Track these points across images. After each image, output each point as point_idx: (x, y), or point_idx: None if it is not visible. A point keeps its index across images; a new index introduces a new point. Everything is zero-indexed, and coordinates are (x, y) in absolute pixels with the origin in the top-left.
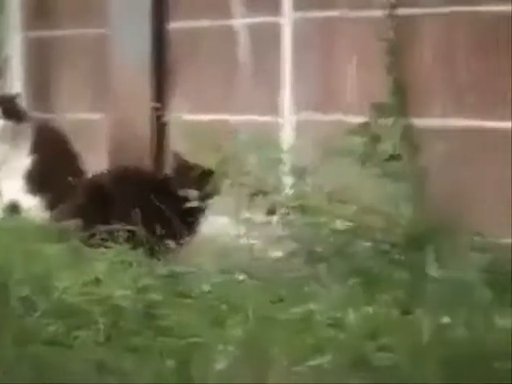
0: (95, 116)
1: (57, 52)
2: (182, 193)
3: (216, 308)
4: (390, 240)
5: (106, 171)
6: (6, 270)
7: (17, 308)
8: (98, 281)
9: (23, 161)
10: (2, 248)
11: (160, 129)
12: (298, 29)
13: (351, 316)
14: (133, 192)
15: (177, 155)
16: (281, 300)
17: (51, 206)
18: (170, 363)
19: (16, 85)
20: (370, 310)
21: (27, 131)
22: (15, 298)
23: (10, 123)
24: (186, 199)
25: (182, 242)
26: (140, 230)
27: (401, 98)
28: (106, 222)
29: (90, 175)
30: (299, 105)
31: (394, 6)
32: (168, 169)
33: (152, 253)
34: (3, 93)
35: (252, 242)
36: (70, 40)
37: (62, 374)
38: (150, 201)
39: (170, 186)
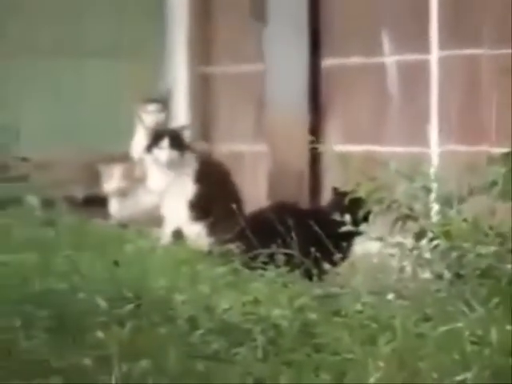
0: (255, 148)
1: (219, 86)
2: (336, 217)
3: (367, 326)
4: None
5: (268, 206)
6: (173, 291)
7: (182, 326)
8: (256, 301)
9: (187, 189)
10: (169, 270)
11: (315, 159)
12: (445, 65)
13: (494, 334)
14: (291, 221)
15: (335, 188)
16: (428, 319)
17: (213, 232)
18: (325, 378)
19: (181, 117)
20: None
21: (191, 161)
22: (181, 317)
23: (176, 153)
24: (340, 225)
25: (336, 264)
26: (297, 254)
27: None
28: (266, 247)
29: (255, 209)
30: (446, 137)
31: None
32: (323, 198)
33: (309, 275)
34: (169, 125)
35: (402, 264)
36: (231, 75)
37: None
38: (306, 229)
39: (323, 215)
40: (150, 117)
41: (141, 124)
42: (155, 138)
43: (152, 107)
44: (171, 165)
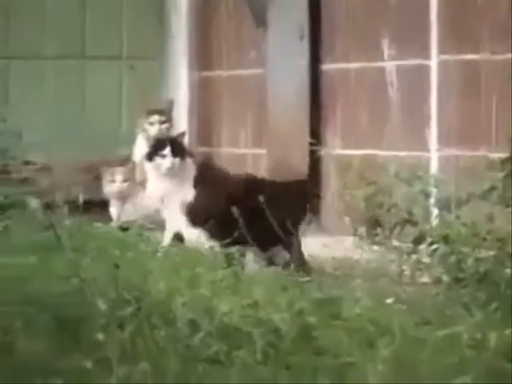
0: (256, 151)
1: (219, 91)
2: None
3: (366, 329)
4: None
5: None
6: (173, 294)
7: (182, 329)
8: (256, 304)
9: (187, 194)
10: (169, 273)
11: (315, 162)
12: (444, 70)
13: (492, 338)
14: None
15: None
16: (427, 323)
17: (213, 235)
18: (324, 380)
19: (182, 122)
20: (509, 332)
21: (191, 166)
22: (181, 320)
23: (177, 160)
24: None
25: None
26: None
27: None
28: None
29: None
30: (445, 141)
31: None
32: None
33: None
34: (171, 133)
35: (401, 268)
36: (231, 80)
37: None
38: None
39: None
40: (153, 128)
41: (143, 134)
42: (156, 146)
43: (155, 118)
44: (172, 172)
